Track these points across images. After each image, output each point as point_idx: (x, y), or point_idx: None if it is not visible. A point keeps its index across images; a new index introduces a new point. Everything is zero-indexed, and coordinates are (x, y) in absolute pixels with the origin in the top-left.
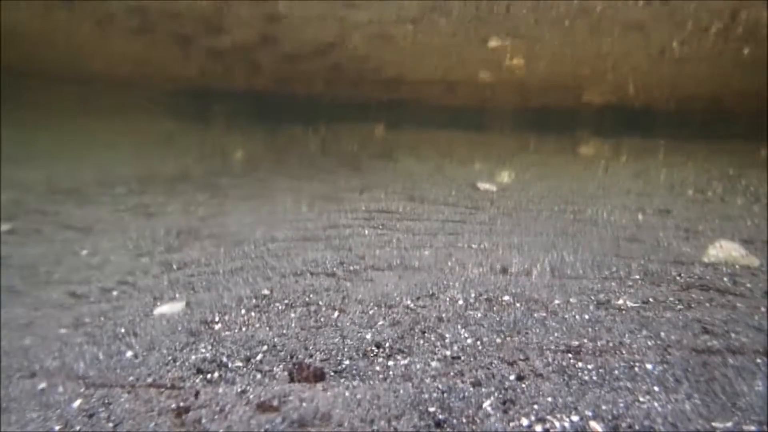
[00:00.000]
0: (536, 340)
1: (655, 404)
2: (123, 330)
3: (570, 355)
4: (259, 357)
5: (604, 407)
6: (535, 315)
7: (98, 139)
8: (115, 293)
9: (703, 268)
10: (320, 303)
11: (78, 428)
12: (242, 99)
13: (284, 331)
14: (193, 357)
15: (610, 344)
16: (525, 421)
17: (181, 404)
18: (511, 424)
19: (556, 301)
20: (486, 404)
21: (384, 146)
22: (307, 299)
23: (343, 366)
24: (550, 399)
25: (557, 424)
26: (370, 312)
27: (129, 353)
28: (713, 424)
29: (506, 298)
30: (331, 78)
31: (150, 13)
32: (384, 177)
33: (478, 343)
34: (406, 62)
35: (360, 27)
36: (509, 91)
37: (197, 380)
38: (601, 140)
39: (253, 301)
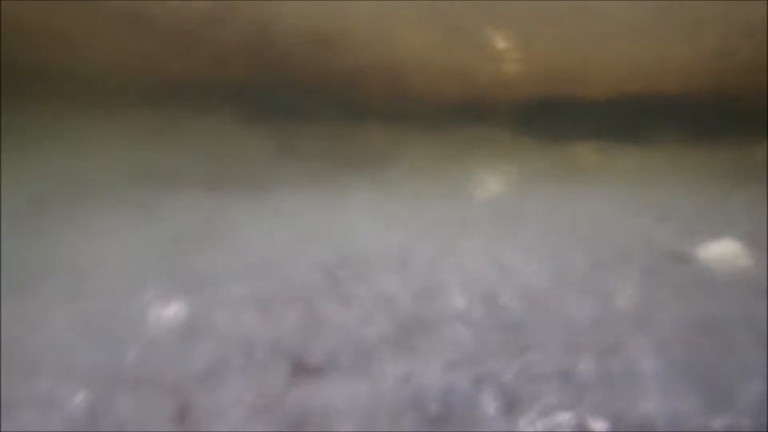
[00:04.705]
0: (536, 339)
1: (655, 403)
2: (123, 329)
3: (570, 354)
4: (258, 356)
5: (603, 406)
6: (535, 314)
7: (99, 137)
8: (115, 292)
9: (703, 267)
10: (320, 301)
11: (78, 428)
12: (241, 98)
13: (284, 330)
14: (193, 356)
15: (610, 343)
16: (525, 421)
17: (181, 403)
18: (511, 424)
19: (556, 301)
20: (486, 404)
21: (382, 144)
22: (307, 298)
23: (343, 365)
24: (550, 398)
25: (557, 423)
26: (370, 310)
27: (129, 353)
28: (711, 422)
29: (506, 297)
30: (330, 74)
31: (150, 12)
32: (382, 175)
33: (478, 342)
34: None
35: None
36: (508, 89)
37: (197, 379)
38: (600, 139)
39: (253, 299)
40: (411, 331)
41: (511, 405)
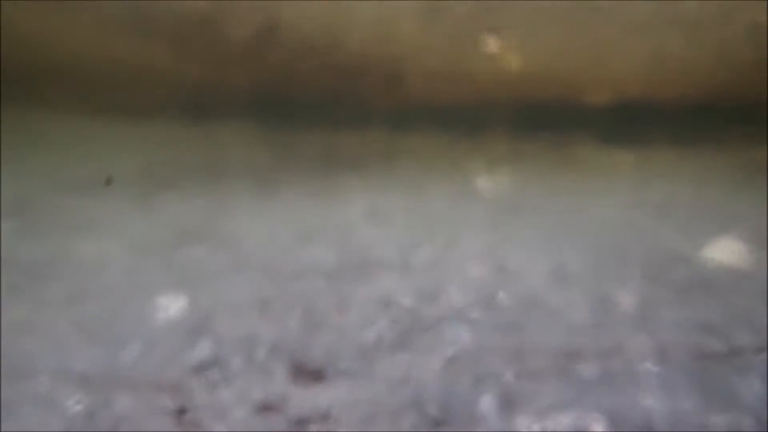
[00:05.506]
0: (536, 340)
1: (655, 404)
2: (123, 329)
3: (569, 354)
4: (259, 356)
5: (603, 407)
6: (535, 314)
7: (99, 138)
8: (115, 292)
9: (703, 267)
10: (320, 302)
11: (78, 428)
12: (242, 99)
13: (284, 331)
14: (193, 356)
15: (609, 344)
16: (524, 421)
17: (181, 404)
18: (511, 424)
19: (556, 301)
20: (485, 404)
21: (383, 145)
22: (307, 298)
23: (343, 365)
24: (549, 399)
25: (556, 423)
26: (370, 311)
27: (129, 352)
28: (711, 422)
29: (505, 297)
30: (330, 75)
31: (150, 14)
32: (383, 176)
33: (478, 342)
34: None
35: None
36: (508, 90)
37: (197, 380)
38: (600, 139)
39: (253, 300)
40: (410, 330)
41: (511, 405)
